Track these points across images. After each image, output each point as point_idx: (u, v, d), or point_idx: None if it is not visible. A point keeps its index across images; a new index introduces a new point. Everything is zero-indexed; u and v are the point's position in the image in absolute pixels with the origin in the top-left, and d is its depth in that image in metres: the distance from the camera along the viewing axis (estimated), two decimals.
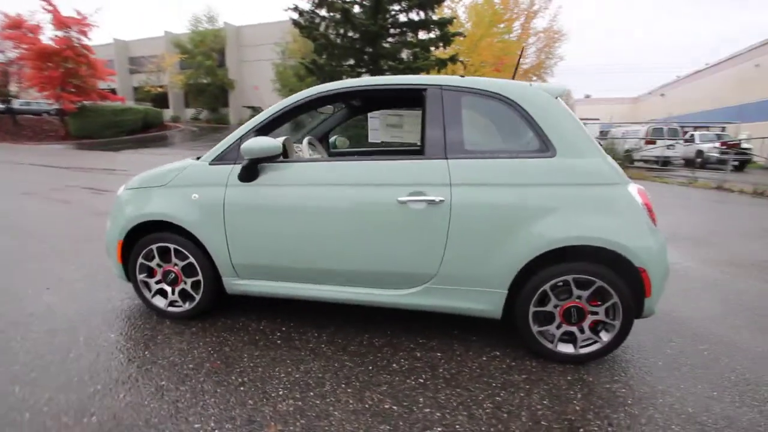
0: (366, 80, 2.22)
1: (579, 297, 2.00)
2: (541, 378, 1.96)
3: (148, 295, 2.44)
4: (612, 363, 2.10)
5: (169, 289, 2.41)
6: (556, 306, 2.03)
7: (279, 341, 2.22)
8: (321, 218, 2.10)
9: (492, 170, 1.99)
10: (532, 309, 2.04)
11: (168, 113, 29.83)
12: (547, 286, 2.00)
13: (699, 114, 24.88)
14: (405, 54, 18.92)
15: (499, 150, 2.06)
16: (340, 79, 19.02)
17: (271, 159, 2.11)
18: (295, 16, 18.35)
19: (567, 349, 2.07)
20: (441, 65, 17.11)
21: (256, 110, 30.35)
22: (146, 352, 2.05)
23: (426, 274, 2.08)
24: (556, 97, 2.07)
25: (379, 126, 3.42)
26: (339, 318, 2.49)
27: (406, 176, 2.04)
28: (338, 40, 18.67)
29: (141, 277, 2.41)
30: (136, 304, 2.61)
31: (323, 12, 18.50)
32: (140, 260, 2.37)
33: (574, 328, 2.05)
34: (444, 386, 1.86)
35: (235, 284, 2.31)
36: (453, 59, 17.68)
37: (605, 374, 2.01)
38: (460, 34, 18.34)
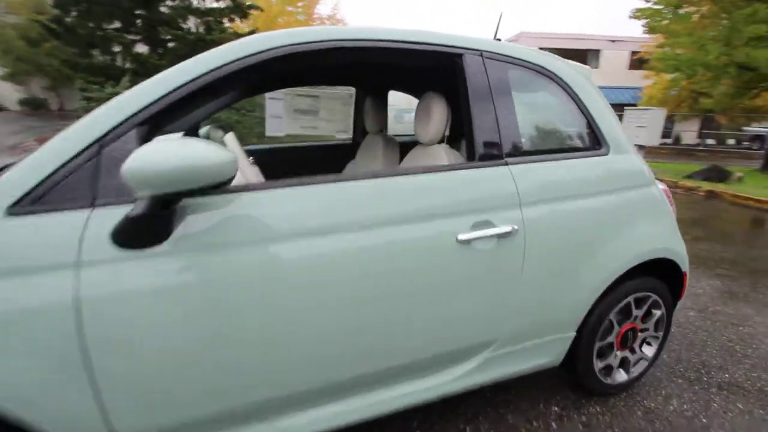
0: (372, 31, 1.24)
1: (635, 317, 1.72)
2: (624, 428, 1.60)
3: None
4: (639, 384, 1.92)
5: None
6: (616, 334, 1.69)
7: None
8: (329, 294, 1.10)
9: (561, 177, 1.42)
10: (597, 344, 1.64)
11: None
12: (612, 315, 1.62)
13: None
14: (193, 24, 16.04)
15: (558, 148, 1.52)
16: (106, 46, 14.89)
17: (206, 190, 0.93)
18: None
19: (621, 377, 1.77)
20: None
21: None
22: None
23: (488, 340, 1.39)
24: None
25: (283, 112, 2.35)
26: None
27: (461, 198, 1.25)
28: None
29: None
30: None
31: None
32: None
33: (627, 352, 1.76)
34: None
35: None
36: (253, 35, 16.05)
37: (652, 394, 1.81)
38: (256, 7, 16.69)
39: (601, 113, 1.57)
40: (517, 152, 1.37)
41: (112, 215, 0.90)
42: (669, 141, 18.68)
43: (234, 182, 1.27)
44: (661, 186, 1.78)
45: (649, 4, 10.90)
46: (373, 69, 2.05)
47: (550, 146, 1.55)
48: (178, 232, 0.94)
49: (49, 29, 13.91)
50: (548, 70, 1.48)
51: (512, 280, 1.34)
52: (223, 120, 7.75)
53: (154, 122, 0.99)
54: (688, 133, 19.61)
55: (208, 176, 0.85)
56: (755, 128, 18.02)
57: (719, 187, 7.61)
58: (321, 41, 1.16)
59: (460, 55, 1.33)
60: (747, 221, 5.62)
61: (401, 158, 2.09)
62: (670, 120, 17.34)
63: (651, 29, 11.10)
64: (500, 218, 1.28)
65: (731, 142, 18.99)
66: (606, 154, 1.55)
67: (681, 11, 10.47)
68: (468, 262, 1.24)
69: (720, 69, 9.73)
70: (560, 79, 1.49)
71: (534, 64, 1.45)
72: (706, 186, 7.77)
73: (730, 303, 2.77)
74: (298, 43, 1.12)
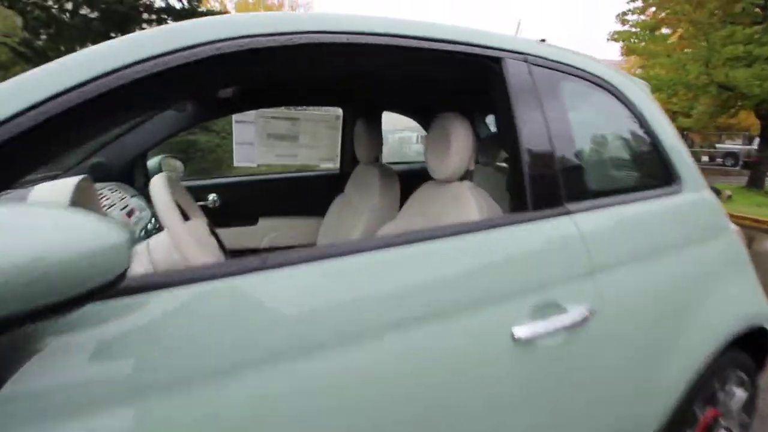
0: (370, 22, 0.82)
1: (720, 402, 1.31)
2: None
3: None
4: None
5: None
6: (697, 427, 1.27)
7: None
8: None
9: (637, 226, 1.03)
10: None
11: None
12: (697, 406, 1.21)
13: None
14: None
15: (626, 186, 1.14)
16: None
17: (71, 303, 0.42)
18: None
19: None
20: None
21: None
22: None
23: None
24: None
25: (255, 137, 1.92)
26: None
27: (514, 270, 0.83)
28: (65, 17, 13.83)
29: None
30: None
31: None
32: None
33: None
34: None
35: None
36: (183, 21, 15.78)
37: None
38: None
39: (671, 139, 1.20)
40: (580, 195, 0.97)
41: None
42: None
43: (164, 258, 0.82)
44: (733, 227, 1.41)
45: (626, 27, 11.10)
46: (367, 81, 1.63)
47: (617, 185, 1.16)
48: (15, 386, 0.48)
49: (18, 53, 13.39)
50: (609, 83, 1.10)
51: (586, 383, 0.91)
52: (202, 143, 6.73)
53: None
54: None
55: (69, 282, 0.41)
56: (728, 145, 18.52)
57: None
58: (295, 33, 0.74)
59: (498, 60, 0.93)
60: (752, 243, 5.41)
61: (403, 194, 1.70)
62: None
63: (629, 51, 11.29)
64: (568, 295, 0.86)
65: (705, 159, 19.46)
66: (680, 192, 1.18)
67: (657, 33, 10.67)
68: (529, 369, 0.81)
69: (700, 89, 9.84)
70: (622, 94, 1.12)
71: (592, 74, 1.07)
72: None
73: None
74: (261, 35, 0.70)
